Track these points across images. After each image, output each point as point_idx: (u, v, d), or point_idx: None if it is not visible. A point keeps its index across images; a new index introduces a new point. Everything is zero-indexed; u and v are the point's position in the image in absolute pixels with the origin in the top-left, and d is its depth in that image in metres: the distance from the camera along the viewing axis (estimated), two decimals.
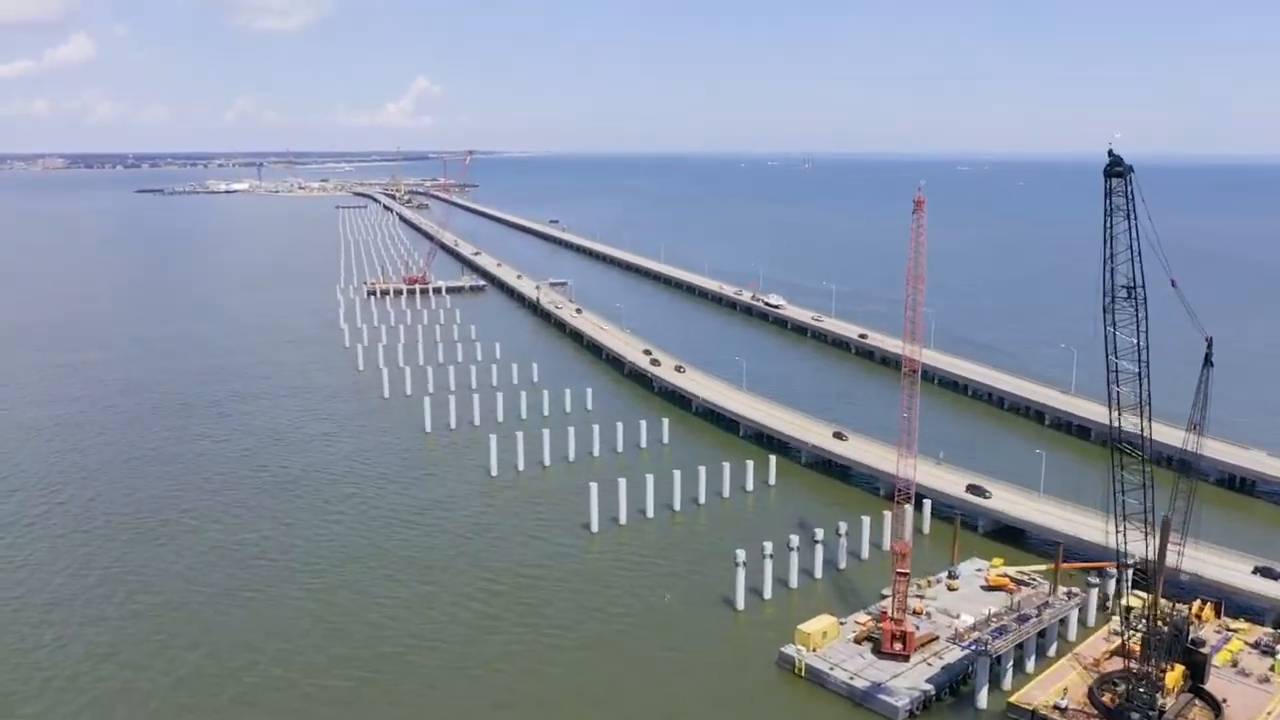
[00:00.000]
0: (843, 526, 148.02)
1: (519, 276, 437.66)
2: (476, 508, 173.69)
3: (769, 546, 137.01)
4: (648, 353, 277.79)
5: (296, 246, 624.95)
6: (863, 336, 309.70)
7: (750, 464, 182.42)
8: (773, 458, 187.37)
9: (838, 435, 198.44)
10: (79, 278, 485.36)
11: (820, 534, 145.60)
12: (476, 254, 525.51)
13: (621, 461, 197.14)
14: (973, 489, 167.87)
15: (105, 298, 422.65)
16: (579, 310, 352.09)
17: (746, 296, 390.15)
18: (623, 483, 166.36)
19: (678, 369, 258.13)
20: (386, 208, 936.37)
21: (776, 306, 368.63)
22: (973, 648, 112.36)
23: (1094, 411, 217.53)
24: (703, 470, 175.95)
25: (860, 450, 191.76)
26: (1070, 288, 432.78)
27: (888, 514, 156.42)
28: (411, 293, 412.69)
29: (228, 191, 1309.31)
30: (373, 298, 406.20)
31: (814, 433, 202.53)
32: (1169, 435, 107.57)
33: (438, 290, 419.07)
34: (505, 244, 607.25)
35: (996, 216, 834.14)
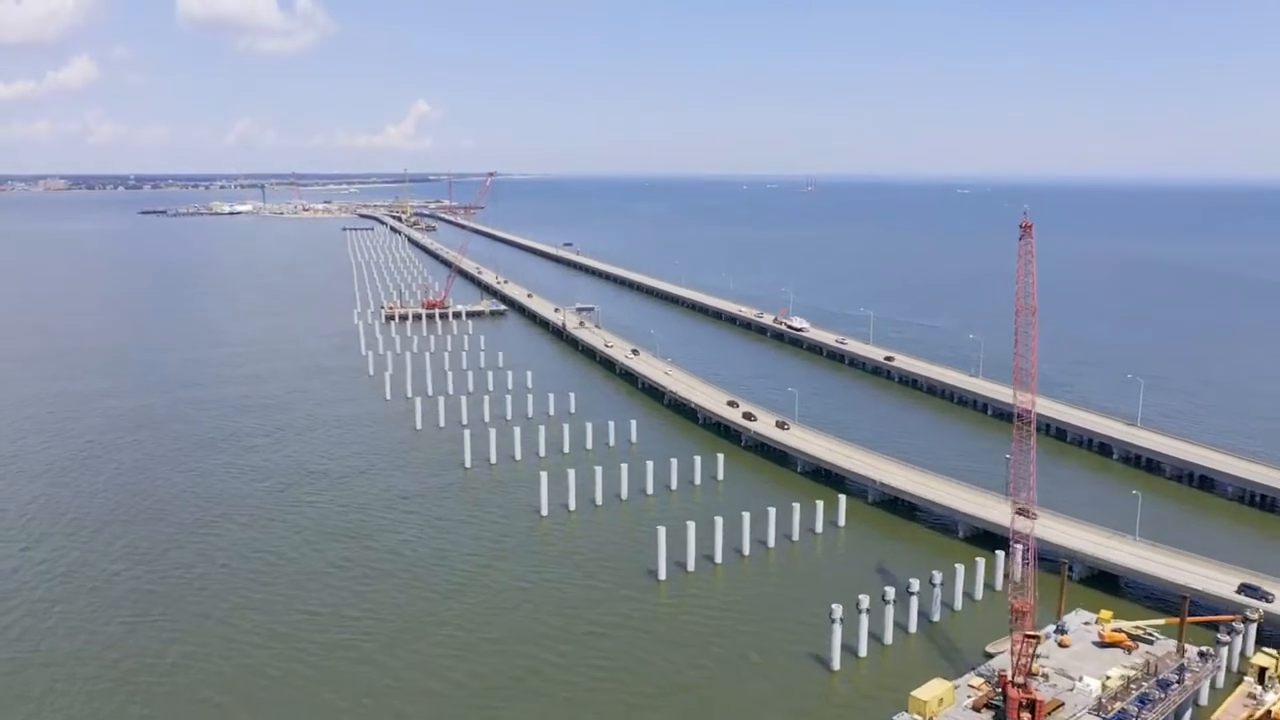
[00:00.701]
0: (937, 576, 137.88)
1: (556, 310, 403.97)
2: (533, 553, 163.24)
3: (865, 600, 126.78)
4: (734, 404, 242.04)
5: (307, 269, 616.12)
6: (889, 359, 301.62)
7: (820, 504, 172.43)
8: (842, 498, 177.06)
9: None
10: (89, 302, 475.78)
11: (915, 584, 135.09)
12: (504, 281, 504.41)
13: (676, 500, 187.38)
14: (1247, 589, 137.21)
15: (117, 323, 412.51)
16: (635, 351, 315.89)
17: (769, 320, 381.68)
18: (691, 526, 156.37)
19: (780, 425, 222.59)
20: (394, 230, 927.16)
21: (800, 330, 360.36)
22: None
23: (1166, 445, 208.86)
24: (773, 511, 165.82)
25: (929, 487, 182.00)
26: (1100, 314, 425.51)
27: (980, 560, 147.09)
28: (430, 317, 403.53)
29: (231, 213, 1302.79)
30: (391, 322, 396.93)
31: (877, 468, 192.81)
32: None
33: (457, 315, 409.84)
34: (519, 268, 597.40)
35: (1008, 239, 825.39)
